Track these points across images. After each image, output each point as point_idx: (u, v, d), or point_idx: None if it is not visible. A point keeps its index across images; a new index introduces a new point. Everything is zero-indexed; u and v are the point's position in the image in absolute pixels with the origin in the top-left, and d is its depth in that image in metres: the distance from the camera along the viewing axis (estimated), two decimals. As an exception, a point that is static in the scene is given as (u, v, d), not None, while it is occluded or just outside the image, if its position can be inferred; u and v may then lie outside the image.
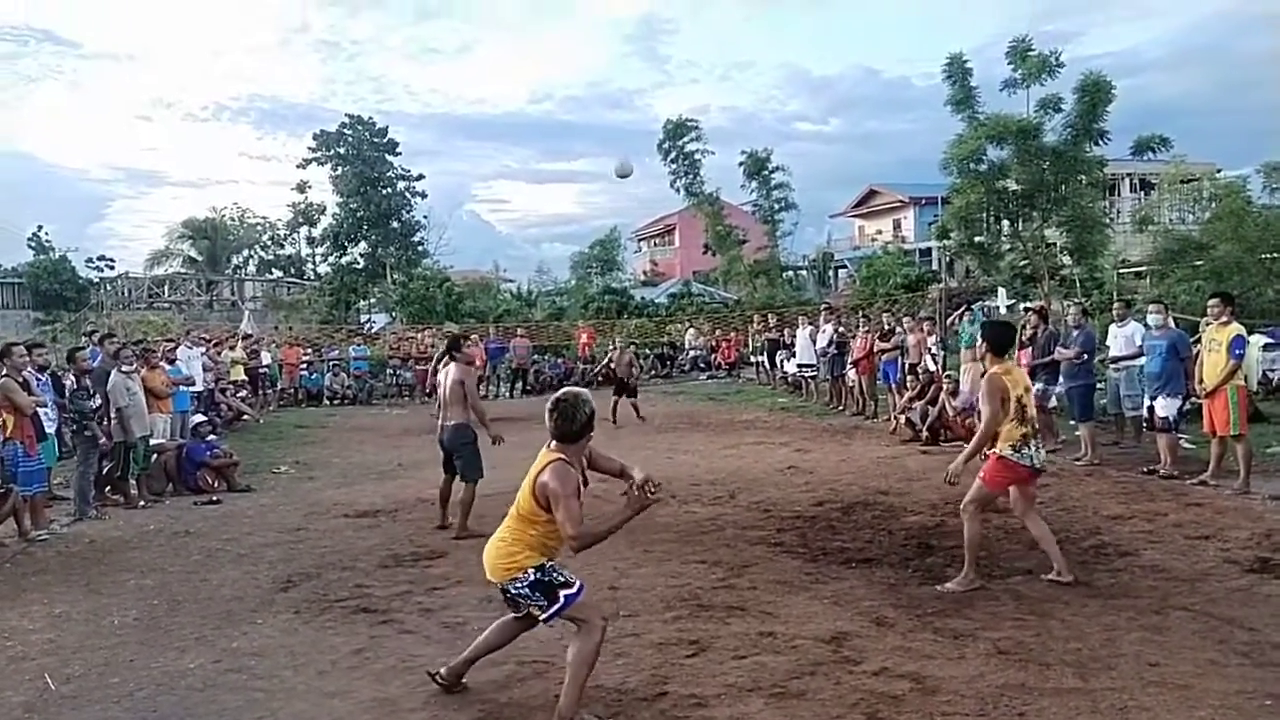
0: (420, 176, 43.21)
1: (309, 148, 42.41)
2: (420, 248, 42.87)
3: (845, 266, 44.86)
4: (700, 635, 5.04)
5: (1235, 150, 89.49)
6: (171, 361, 12.60)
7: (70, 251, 38.83)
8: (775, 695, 4.18)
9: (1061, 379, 10.75)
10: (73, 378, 9.91)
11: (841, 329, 16.96)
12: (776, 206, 35.63)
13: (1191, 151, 25.03)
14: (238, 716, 4.25)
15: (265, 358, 20.73)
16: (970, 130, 17.50)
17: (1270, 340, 13.64)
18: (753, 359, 24.15)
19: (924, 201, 44.04)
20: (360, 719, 4.17)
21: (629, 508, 3.97)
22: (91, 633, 5.55)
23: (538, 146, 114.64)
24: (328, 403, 21.87)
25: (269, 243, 48.18)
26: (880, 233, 49.86)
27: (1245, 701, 3.96)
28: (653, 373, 25.50)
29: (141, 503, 9.85)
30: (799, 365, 18.69)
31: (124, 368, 9.99)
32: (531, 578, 4.00)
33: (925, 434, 12.20)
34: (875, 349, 14.96)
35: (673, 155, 35.01)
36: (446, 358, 8.31)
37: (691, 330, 28.50)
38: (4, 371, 8.31)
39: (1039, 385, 9.99)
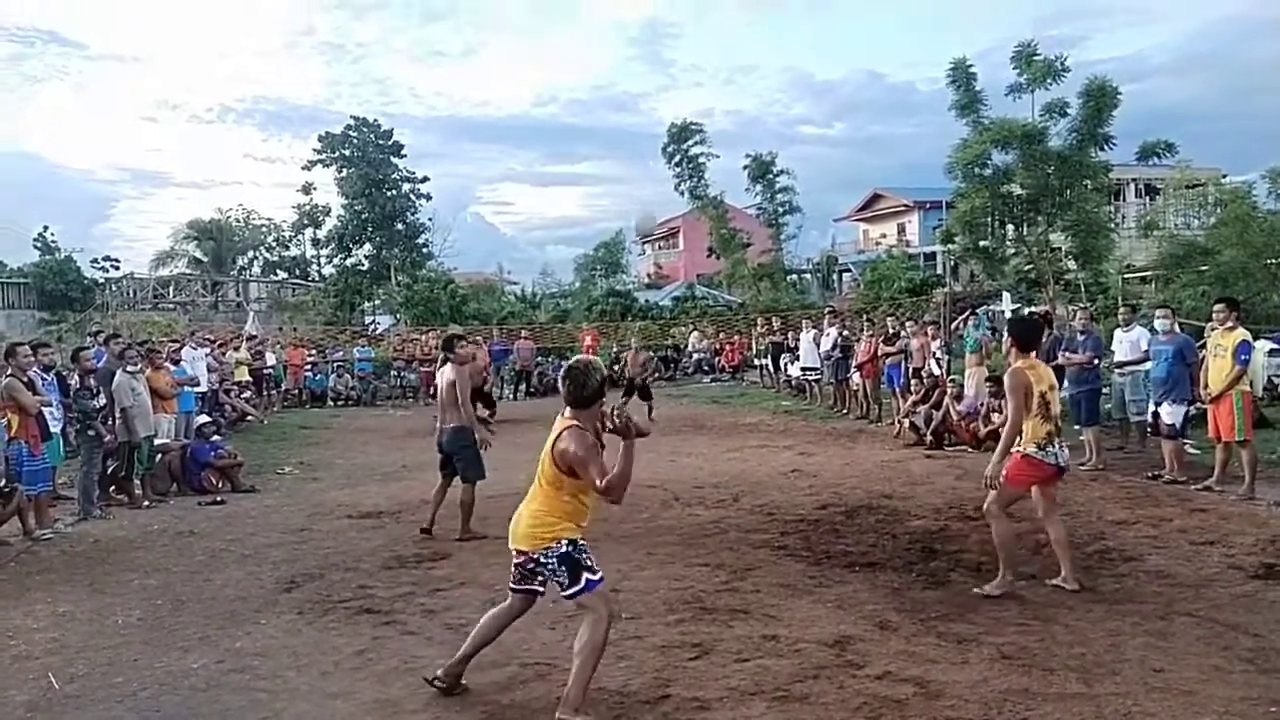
0: (425, 179, 43.33)
1: (314, 150, 42.58)
2: (425, 250, 42.93)
3: (849, 270, 44.81)
4: (703, 638, 5.04)
5: (1241, 155, 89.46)
6: (176, 362, 12.63)
7: (76, 252, 39.00)
8: (778, 699, 4.17)
9: (1067, 384, 10.72)
10: (77, 377, 9.93)
11: (845, 332, 16.97)
12: (781, 210, 35.68)
13: (1197, 157, 25.08)
14: (241, 717, 4.25)
15: (270, 359, 20.78)
16: (975, 135, 17.47)
17: (1276, 346, 13.61)
18: (756, 362, 24.15)
19: (928, 205, 43.98)
20: (363, 720, 4.17)
21: (623, 438, 3.98)
22: (95, 632, 5.55)
23: (542, 149, 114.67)
24: (332, 404, 21.89)
25: (274, 244, 48.30)
26: (884, 236, 49.81)
27: (1250, 708, 3.94)
28: (656, 375, 25.51)
29: (146, 503, 9.86)
30: (803, 369, 18.70)
31: (129, 368, 10.02)
32: (563, 549, 4.04)
33: (929, 438, 12.19)
34: (879, 353, 14.97)
35: (677, 159, 35.07)
36: (443, 359, 8.29)
37: (695, 333, 28.51)
38: (9, 371, 8.34)
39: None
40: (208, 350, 15.87)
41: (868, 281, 33.90)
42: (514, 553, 4.18)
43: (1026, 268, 19.85)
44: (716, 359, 26.43)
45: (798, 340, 19.34)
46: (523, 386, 23.54)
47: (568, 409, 4.12)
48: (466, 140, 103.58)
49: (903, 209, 49.47)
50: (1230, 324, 8.53)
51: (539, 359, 24.82)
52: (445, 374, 7.98)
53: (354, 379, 22.86)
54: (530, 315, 33.84)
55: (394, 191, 41.91)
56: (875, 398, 15.46)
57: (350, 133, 41.62)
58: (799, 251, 42.28)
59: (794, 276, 40.38)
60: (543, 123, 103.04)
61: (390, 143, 42.10)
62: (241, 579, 6.70)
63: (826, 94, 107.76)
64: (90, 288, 36.94)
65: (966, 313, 15.17)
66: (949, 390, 12.43)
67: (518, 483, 10.92)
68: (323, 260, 45.53)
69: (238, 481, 10.84)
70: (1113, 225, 21.02)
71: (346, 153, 41.46)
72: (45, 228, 40.57)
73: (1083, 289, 20.41)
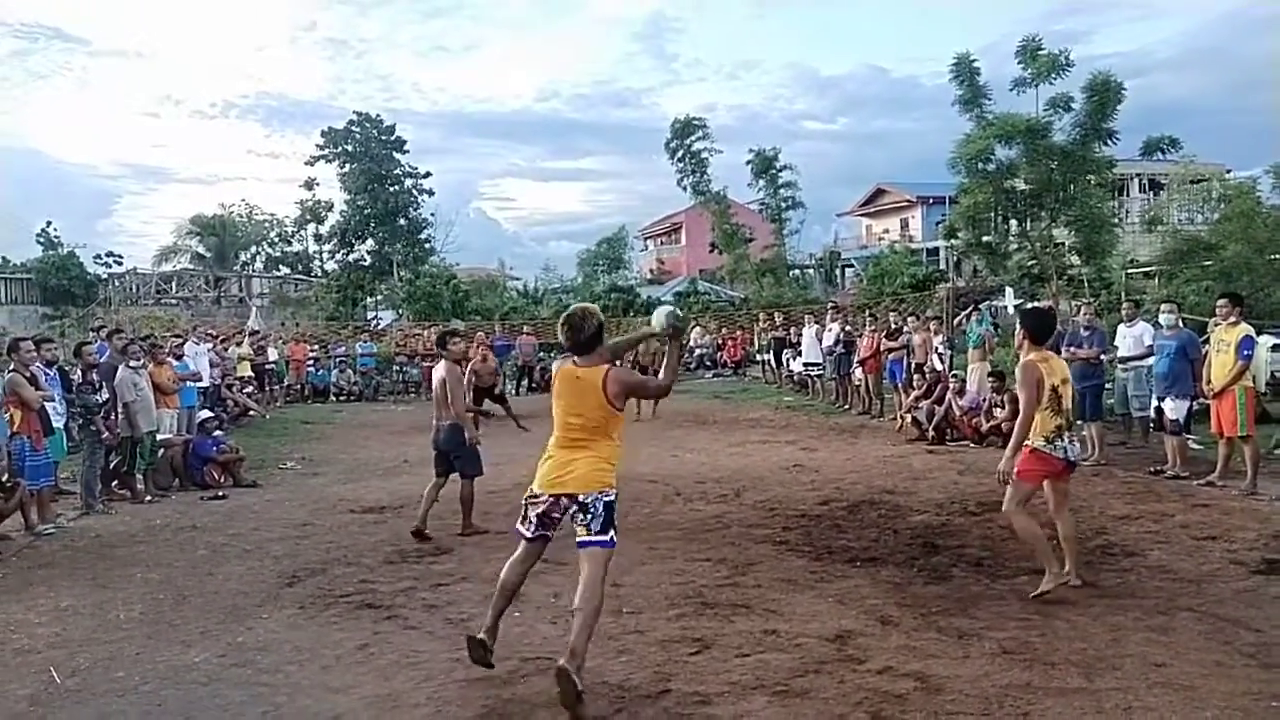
0: (427, 174, 43.24)
1: (317, 145, 42.42)
2: (427, 245, 42.86)
3: (852, 265, 44.79)
4: (704, 633, 5.04)
5: (1245, 151, 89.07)
6: (179, 357, 12.65)
7: (79, 247, 38.93)
8: (779, 693, 4.17)
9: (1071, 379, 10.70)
10: (79, 372, 9.95)
11: (848, 328, 16.95)
12: (783, 205, 35.67)
13: (1201, 152, 24.99)
14: (242, 711, 4.25)
15: (272, 354, 20.79)
16: (978, 130, 17.45)
17: (1279, 341, 13.57)
18: (759, 357, 24.11)
19: (932, 201, 43.95)
20: (364, 714, 4.17)
21: (672, 339, 4.67)
22: (97, 627, 5.56)
23: (545, 145, 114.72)
24: (334, 399, 21.92)
25: (276, 239, 48.24)
26: (888, 232, 49.78)
27: (1251, 703, 3.94)
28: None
29: (148, 498, 9.89)
30: (805, 364, 18.68)
31: (132, 363, 10.03)
32: (610, 498, 4.29)
33: (931, 433, 12.19)
34: (882, 348, 14.95)
35: (680, 154, 35.04)
36: (437, 355, 8.24)
37: (697, 329, 28.49)
38: (12, 367, 8.35)
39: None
40: (210, 345, 15.88)
41: (870, 277, 33.86)
42: (549, 499, 4.33)
43: (1030, 263, 19.85)
44: (719, 354, 26.40)
45: (800, 336, 19.31)
46: (525, 381, 23.55)
47: (574, 358, 4.37)
48: (469, 135, 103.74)
49: (906, 204, 49.42)
50: (1233, 319, 8.50)
51: (541, 354, 24.81)
52: (438, 371, 7.95)
53: (356, 374, 22.88)
54: (532, 311, 33.81)
55: (397, 187, 41.85)
56: (877, 393, 15.45)
57: (353, 128, 41.56)
58: (802, 247, 42.29)
59: (797, 272, 40.33)
60: (545, 118, 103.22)
61: (393, 138, 42.03)
62: (243, 574, 6.71)
63: (830, 89, 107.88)
64: (93, 283, 36.95)
65: (969, 308, 15.09)
66: (951, 385, 12.41)
67: (519, 477, 10.93)
68: (325, 255, 45.48)
69: (240, 476, 10.86)
70: (1116, 220, 20.96)
71: (349, 148, 41.39)
72: (48, 223, 40.53)
73: (1086, 284, 20.38)
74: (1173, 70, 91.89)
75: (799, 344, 19.31)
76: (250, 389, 17.97)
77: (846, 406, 16.45)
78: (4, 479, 8.15)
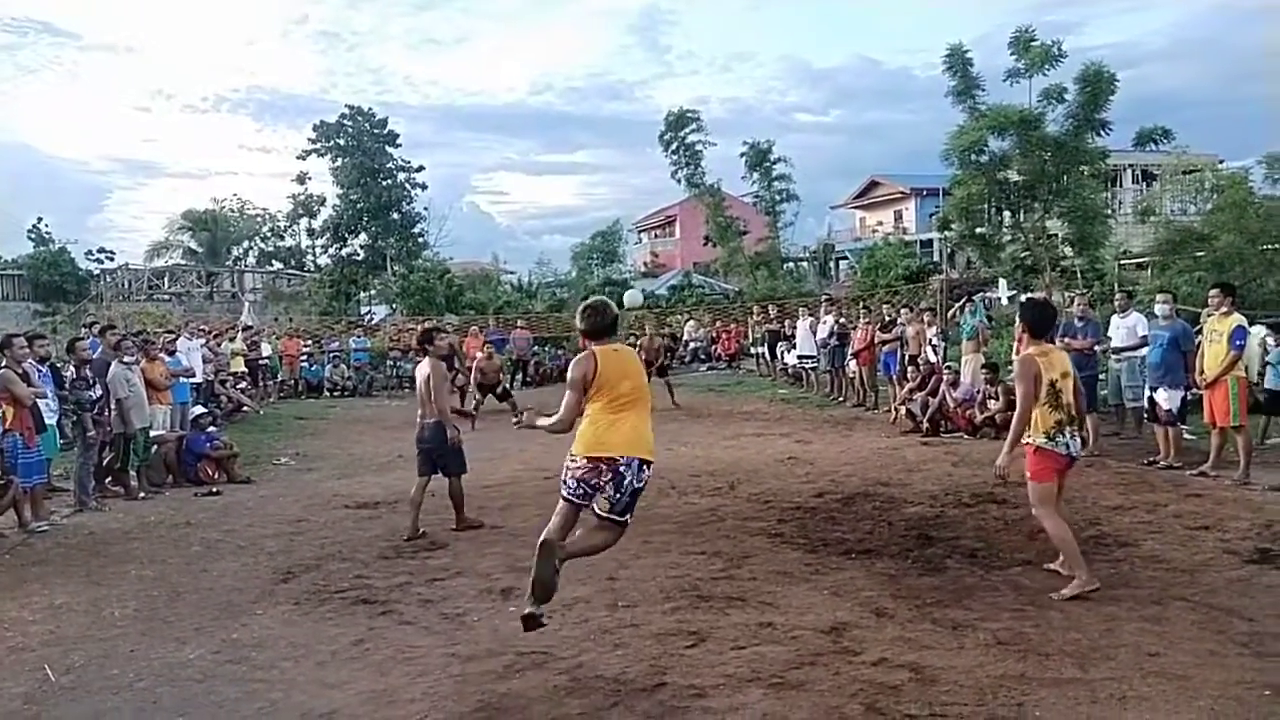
0: (420, 168, 43.09)
1: (309, 139, 42.23)
2: (420, 239, 42.76)
3: (846, 258, 44.77)
4: (699, 626, 5.04)
5: (1237, 141, 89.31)
6: (171, 353, 12.60)
7: (70, 243, 38.63)
8: (774, 685, 4.18)
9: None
10: (72, 368, 9.91)
11: (842, 320, 16.96)
12: (777, 198, 35.75)
13: (1194, 142, 24.96)
14: (237, 707, 4.25)
15: (265, 349, 20.74)
16: (971, 121, 17.43)
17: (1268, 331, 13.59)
18: (753, 350, 24.13)
19: (925, 193, 43.98)
20: (359, 709, 4.17)
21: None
22: (91, 624, 5.55)
23: (538, 138, 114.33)
24: (328, 394, 21.86)
25: (269, 234, 48.09)
26: (881, 224, 49.76)
27: (1244, 692, 3.95)
28: (670, 357, 25.47)
29: (141, 494, 9.86)
30: (799, 356, 18.69)
31: (125, 359, 9.99)
32: (643, 483, 4.63)
33: (925, 425, 12.20)
34: (876, 340, 14.97)
35: (674, 146, 35.03)
36: (420, 352, 8.06)
37: (692, 322, 28.49)
38: (4, 363, 8.31)
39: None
40: (203, 341, 15.85)
41: (864, 269, 33.89)
42: (603, 462, 4.49)
43: (1023, 254, 19.86)
44: (713, 347, 26.40)
45: (794, 328, 19.33)
46: (519, 376, 23.53)
47: (601, 340, 4.66)
48: (462, 129, 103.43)
49: (899, 196, 49.45)
50: (1225, 309, 8.53)
51: (535, 348, 24.80)
52: (422, 368, 7.84)
53: (350, 369, 22.82)
54: (526, 305, 33.81)
55: (389, 181, 41.71)
56: (871, 385, 15.47)
57: (345, 122, 41.38)
58: (796, 239, 42.36)
59: (791, 264, 40.39)
60: (538, 111, 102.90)
61: (385, 132, 41.87)
62: (238, 570, 6.70)
63: (823, 81, 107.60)
64: (84, 279, 36.75)
65: (963, 300, 15.14)
66: (945, 377, 12.44)
67: (514, 471, 10.96)
68: (318, 250, 45.33)
69: (234, 473, 10.84)
70: (1109, 211, 20.99)
71: (341, 142, 41.21)
72: (39, 219, 40.17)
73: (1079, 275, 20.41)
74: (1165, 61, 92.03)
75: (793, 337, 19.31)
76: (244, 385, 17.94)
77: (841, 399, 16.48)
78: (-3, 477, 8.12)
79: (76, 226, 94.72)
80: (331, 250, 43.36)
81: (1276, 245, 17.44)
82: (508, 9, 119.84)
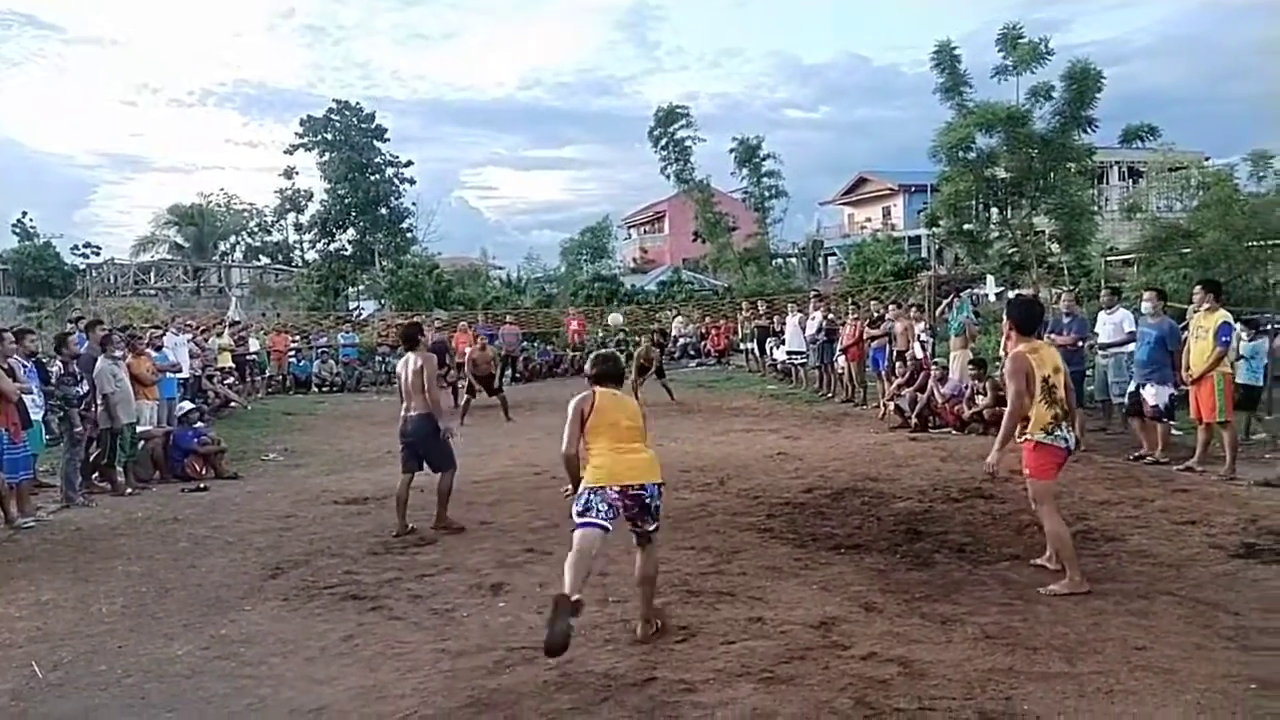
0: (409, 163, 42.87)
1: (296, 133, 41.94)
2: (409, 234, 42.57)
3: (835, 254, 44.82)
4: (689, 621, 5.06)
5: (1223, 139, 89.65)
6: (158, 348, 12.53)
7: (55, 238, 38.51)
8: (764, 680, 4.19)
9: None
10: (60, 363, 9.84)
11: (831, 316, 17.01)
12: (767, 194, 35.69)
13: (1180, 140, 25.11)
14: (225, 703, 4.24)
15: (253, 344, 20.64)
16: (959, 118, 17.46)
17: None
18: (742, 346, 24.16)
19: (913, 189, 44.04)
20: (349, 705, 4.16)
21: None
22: (79, 620, 5.53)
23: (527, 133, 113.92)
24: (316, 390, 21.76)
25: (256, 229, 47.88)
26: (870, 220, 49.86)
27: (1230, 685, 3.99)
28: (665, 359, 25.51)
29: (129, 490, 9.81)
30: (788, 352, 18.74)
31: (115, 353, 9.93)
32: (660, 500, 5.02)
33: (914, 420, 12.25)
34: (864, 336, 15.01)
35: (663, 142, 34.96)
36: (405, 348, 7.97)
37: (680, 318, 28.49)
38: (-11, 358, 8.25)
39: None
40: (190, 336, 15.74)
41: (853, 265, 33.93)
42: (629, 489, 4.80)
43: (1010, 251, 19.90)
44: (702, 343, 26.42)
45: (783, 324, 19.37)
46: (508, 372, 23.47)
47: (604, 384, 5.03)
48: (450, 124, 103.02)
49: (888, 192, 49.52)
50: (1208, 305, 8.58)
51: (524, 344, 24.75)
52: (410, 361, 7.69)
53: (338, 365, 22.74)
54: (515, 300, 33.71)
55: (377, 176, 41.52)
56: (860, 381, 15.52)
57: (332, 116, 41.15)
58: (784, 235, 42.31)
59: (780, 260, 40.37)
60: (527, 106, 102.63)
61: (373, 126, 41.65)
62: (226, 566, 6.67)
63: (812, 77, 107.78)
64: (70, 274, 36.56)
65: (951, 296, 15.17)
66: (933, 373, 12.48)
67: (502, 467, 10.93)
68: (306, 245, 45.13)
69: (221, 468, 10.79)
70: (1096, 208, 21.04)
71: (329, 136, 40.99)
72: (24, 213, 40.01)
73: (1066, 272, 20.49)
74: (1151, 58, 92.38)
75: (782, 333, 19.36)
76: (231, 380, 17.85)
77: (830, 395, 16.52)
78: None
79: (62, 221, 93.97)
80: (319, 245, 43.15)
81: (1261, 242, 17.54)
82: (496, 4, 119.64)
